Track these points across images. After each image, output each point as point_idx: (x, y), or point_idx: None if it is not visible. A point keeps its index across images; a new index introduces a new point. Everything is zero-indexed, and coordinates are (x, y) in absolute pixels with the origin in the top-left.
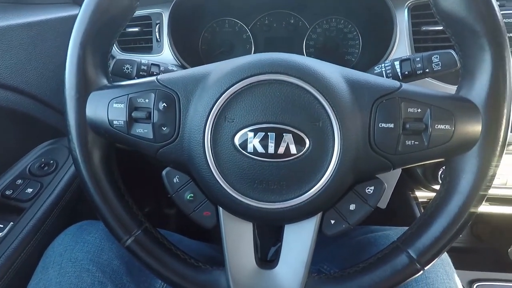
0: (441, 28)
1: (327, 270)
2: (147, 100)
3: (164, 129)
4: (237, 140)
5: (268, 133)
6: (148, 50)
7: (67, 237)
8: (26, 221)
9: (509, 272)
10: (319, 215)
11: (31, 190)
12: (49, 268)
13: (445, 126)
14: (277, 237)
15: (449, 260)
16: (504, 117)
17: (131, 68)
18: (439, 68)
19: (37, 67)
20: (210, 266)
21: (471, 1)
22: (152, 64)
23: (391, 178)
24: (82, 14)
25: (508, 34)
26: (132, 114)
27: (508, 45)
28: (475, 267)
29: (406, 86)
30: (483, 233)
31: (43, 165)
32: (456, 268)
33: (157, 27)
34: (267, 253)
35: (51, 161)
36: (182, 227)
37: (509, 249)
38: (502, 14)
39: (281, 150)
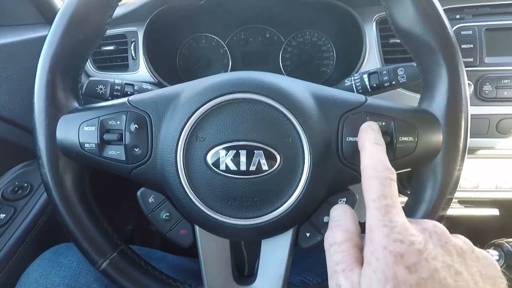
0: None
1: (310, 280)
2: (118, 122)
3: (136, 150)
4: (209, 158)
5: (240, 151)
6: (124, 68)
7: (43, 262)
8: None
9: None
10: (294, 228)
11: (4, 215)
12: None
13: (408, 138)
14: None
15: None
16: (462, 127)
17: (104, 88)
18: (405, 80)
19: (9, 89)
20: (188, 285)
21: (425, 19)
22: (126, 83)
23: None
24: (50, 37)
25: (468, 45)
26: (104, 137)
27: (461, 59)
28: None
29: (371, 100)
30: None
31: (17, 188)
32: None
33: (132, 45)
34: (254, 267)
35: (25, 184)
36: (167, 243)
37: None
38: (461, 26)
39: (253, 167)
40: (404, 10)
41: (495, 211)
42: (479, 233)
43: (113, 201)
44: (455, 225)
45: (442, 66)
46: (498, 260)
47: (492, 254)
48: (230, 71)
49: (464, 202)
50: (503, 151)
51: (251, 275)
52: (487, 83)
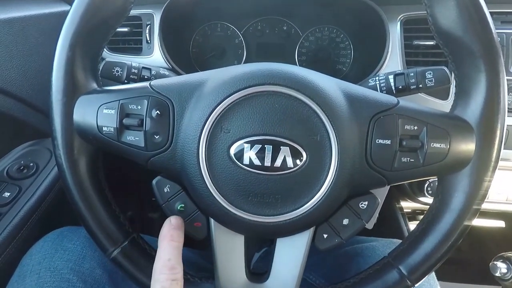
0: (432, 43)
1: (313, 280)
2: (139, 107)
3: (156, 137)
4: (232, 151)
5: (265, 146)
6: (137, 51)
7: (46, 244)
8: (2, 227)
9: (488, 284)
10: (312, 229)
11: (8, 194)
12: (26, 277)
13: (440, 145)
14: (261, 243)
15: (433, 273)
16: (497, 138)
17: (121, 71)
18: (432, 84)
19: (19, 66)
20: (199, 278)
21: (468, 21)
22: (143, 67)
23: (379, 196)
24: (72, 14)
25: None
26: (123, 121)
27: (503, 66)
28: (456, 279)
29: (403, 102)
30: (463, 245)
31: (22, 167)
32: (438, 279)
33: (147, 28)
34: (251, 259)
35: (31, 164)
36: None
37: (490, 263)
38: None
39: (278, 163)
40: (447, 9)
41: (501, 223)
42: (483, 244)
43: (113, 186)
44: None
45: (481, 72)
46: (506, 273)
47: (501, 267)
48: (244, 62)
49: None
50: None
51: (264, 273)
52: (510, 93)
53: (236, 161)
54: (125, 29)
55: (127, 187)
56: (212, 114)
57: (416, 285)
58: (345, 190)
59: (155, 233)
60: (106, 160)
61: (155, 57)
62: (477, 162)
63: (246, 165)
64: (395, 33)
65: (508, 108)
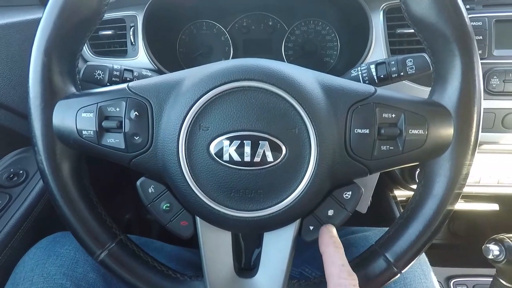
0: None
1: (309, 273)
2: (117, 109)
3: (136, 138)
4: (212, 148)
5: (244, 141)
6: (122, 53)
7: (39, 251)
8: None
9: (484, 267)
10: (297, 221)
11: None
12: (19, 284)
13: (418, 131)
14: (260, 239)
15: (426, 258)
16: (475, 121)
17: (103, 74)
18: (413, 71)
19: (3, 73)
20: (188, 276)
21: (441, 6)
22: (125, 69)
23: (370, 183)
24: (45, 18)
25: (477, 37)
26: (102, 124)
27: (476, 50)
28: (452, 264)
29: (380, 91)
30: (458, 229)
31: (12, 175)
32: (433, 265)
33: (131, 30)
34: (251, 256)
35: (21, 171)
36: (165, 232)
37: (483, 246)
38: (471, 17)
39: (258, 158)
40: None
41: (495, 206)
42: (478, 227)
43: (111, 189)
44: (455, 219)
45: (456, 57)
46: (498, 255)
47: (493, 249)
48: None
49: (464, 197)
50: (507, 146)
51: (252, 268)
52: (495, 77)
53: (216, 158)
54: (109, 32)
55: (125, 191)
56: (190, 112)
57: (408, 272)
58: (327, 181)
59: (153, 235)
60: (103, 164)
61: (141, 58)
62: (456, 146)
63: (226, 161)
64: (378, 22)
65: (493, 92)
